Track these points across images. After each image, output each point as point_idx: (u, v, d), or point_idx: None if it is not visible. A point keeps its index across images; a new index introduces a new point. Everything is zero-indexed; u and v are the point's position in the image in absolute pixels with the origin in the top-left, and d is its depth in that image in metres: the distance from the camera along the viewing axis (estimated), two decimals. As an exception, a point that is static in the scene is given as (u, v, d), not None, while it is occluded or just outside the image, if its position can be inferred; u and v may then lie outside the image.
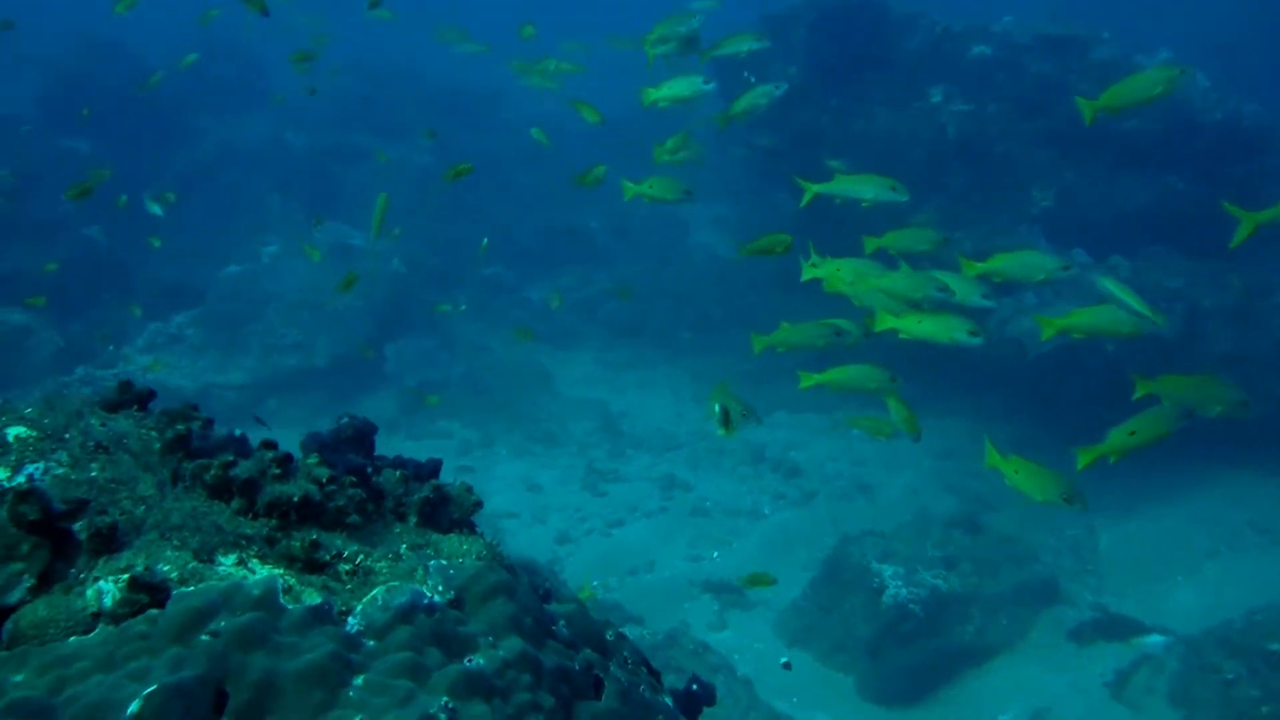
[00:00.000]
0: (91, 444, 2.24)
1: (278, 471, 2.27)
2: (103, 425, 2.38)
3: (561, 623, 2.27)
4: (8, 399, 2.57)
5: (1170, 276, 10.45)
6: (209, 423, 2.57)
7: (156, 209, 10.08)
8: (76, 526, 2.03)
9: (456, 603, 2.10)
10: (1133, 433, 4.29)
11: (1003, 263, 5.11)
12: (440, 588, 2.11)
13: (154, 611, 1.86)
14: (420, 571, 2.15)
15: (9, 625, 1.90)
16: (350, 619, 1.98)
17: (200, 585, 1.93)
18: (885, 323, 4.64)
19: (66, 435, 2.24)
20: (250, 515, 2.22)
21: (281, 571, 2.03)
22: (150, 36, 19.52)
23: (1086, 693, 7.58)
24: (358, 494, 2.33)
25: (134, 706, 1.67)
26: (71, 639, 1.83)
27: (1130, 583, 8.86)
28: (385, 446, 2.72)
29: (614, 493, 11.29)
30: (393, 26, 11.73)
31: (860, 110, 12.40)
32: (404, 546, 2.32)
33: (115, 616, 1.87)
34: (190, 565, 1.97)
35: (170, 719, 1.67)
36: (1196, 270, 10.67)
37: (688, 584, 9.39)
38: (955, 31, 12.28)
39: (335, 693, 1.80)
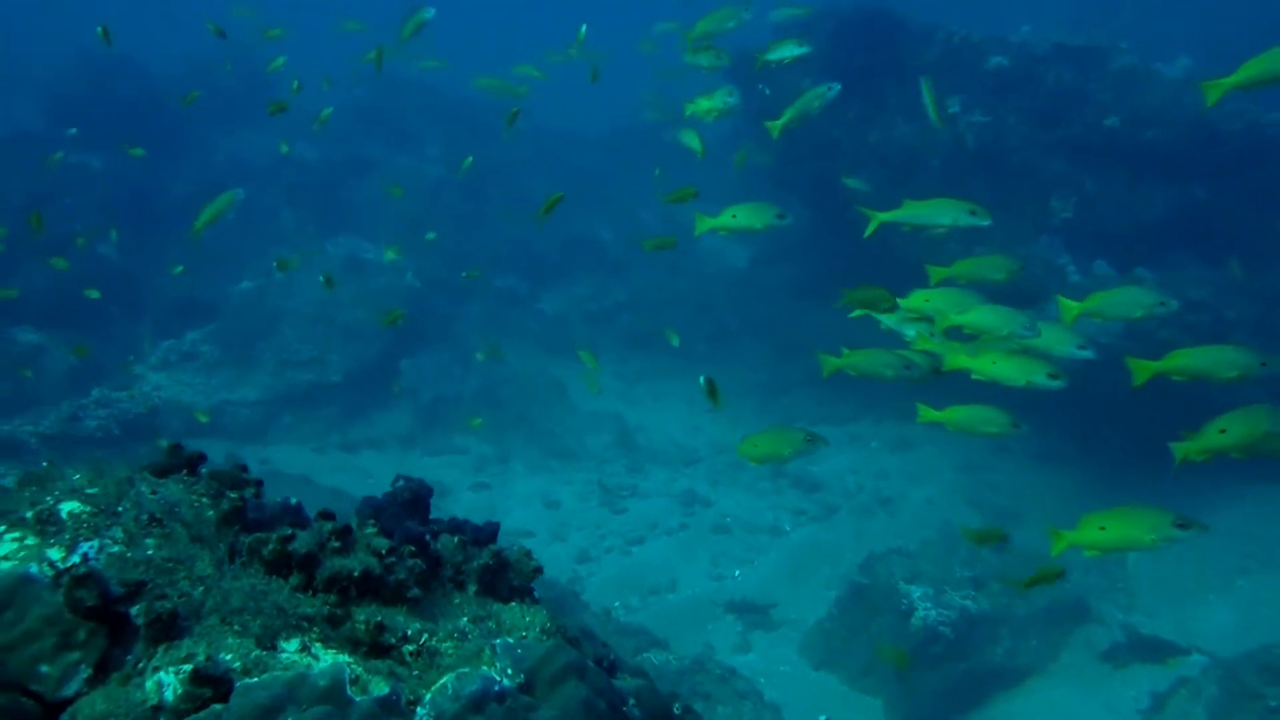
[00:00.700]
0: (145, 517, 2.16)
1: (337, 545, 2.18)
2: (154, 494, 2.29)
3: (631, 701, 2.19)
4: (53, 462, 2.49)
5: (1195, 287, 10.33)
6: (259, 485, 2.49)
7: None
8: (134, 611, 1.95)
9: (527, 687, 2.01)
10: (1223, 430, 3.97)
11: (1101, 302, 4.74)
12: (509, 670, 2.03)
13: (218, 707, 1.79)
14: (488, 652, 2.06)
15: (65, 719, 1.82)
16: (419, 709, 1.89)
17: (264, 676, 1.84)
18: (957, 361, 4.38)
19: (120, 508, 2.15)
20: (309, 591, 2.14)
21: (347, 659, 1.95)
22: (164, 50, 19.53)
23: (1121, 716, 7.44)
24: (417, 564, 2.24)
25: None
26: (134, 738, 1.75)
27: (1161, 601, 8.71)
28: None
29: (633, 509, 11.19)
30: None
31: (879, 120, 12.30)
32: (465, 619, 2.23)
33: (178, 712, 1.79)
34: (253, 654, 1.89)
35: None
36: (1219, 280, 10.54)
37: (710, 604, 9.29)
38: (973, 41, 12.18)
39: (412, 795, 1.72)
